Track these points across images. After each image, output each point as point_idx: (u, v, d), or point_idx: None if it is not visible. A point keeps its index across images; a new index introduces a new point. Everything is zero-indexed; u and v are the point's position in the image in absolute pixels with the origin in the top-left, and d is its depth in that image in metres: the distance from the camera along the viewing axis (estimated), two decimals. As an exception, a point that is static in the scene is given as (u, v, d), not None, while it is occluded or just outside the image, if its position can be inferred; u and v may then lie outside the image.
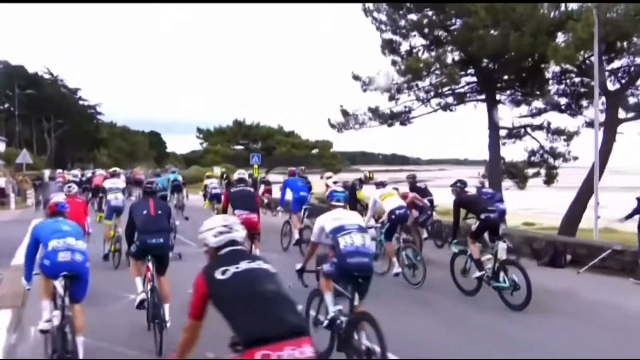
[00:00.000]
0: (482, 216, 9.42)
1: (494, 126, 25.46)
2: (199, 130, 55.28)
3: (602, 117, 23.72)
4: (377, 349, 5.36)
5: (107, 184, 13.54)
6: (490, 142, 25.68)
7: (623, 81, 21.39)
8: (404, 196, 12.23)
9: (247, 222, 9.23)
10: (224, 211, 10.17)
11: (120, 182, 14.18)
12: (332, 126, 26.98)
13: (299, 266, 6.70)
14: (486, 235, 10.03)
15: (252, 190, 10.75)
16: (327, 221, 6.32)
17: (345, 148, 47.40)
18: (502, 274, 8.94)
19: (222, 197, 12.51)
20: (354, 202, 14.52)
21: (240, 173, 11.24)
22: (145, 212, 7.50)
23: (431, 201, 14.86)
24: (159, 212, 7.62)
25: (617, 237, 20.76)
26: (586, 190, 20.98)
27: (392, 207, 10.73)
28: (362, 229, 6.17)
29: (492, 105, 25.42)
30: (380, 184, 11.83)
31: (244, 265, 3.70)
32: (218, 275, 3.62)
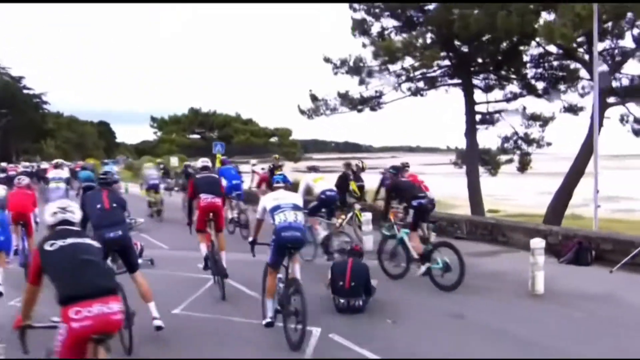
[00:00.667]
0: (415, 202, 9.45)
1: (470, 111, 24.09)
2: (153, 119, 52.61)
3: (583, 102, 22.93)
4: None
5: (51, 174, 14.55)
6: (467, 127, 24.34)
7: (610, 63, 20.19)
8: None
9: (211, 205, 9.48)
10: (191, 199, 10.26)
11: (64, 173, 14.97)
12: (302, 112, 25.20)
13: (250, 239, 7.56)
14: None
15: (216, 176, 10.85)
16: (268, 201, 7.17)
17: (298, 136, 45.87)
18: (434, 256, 9.09)
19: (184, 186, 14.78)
20: (344, 192, 13.14)
21: (203, 161, 11.49)
22: (99, 206, 7.12)
23: (362, 187, 15.09)
24: (114, 205, 7.24)
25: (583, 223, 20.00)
26: (573, 177, 19.82)
27: (323, 188, 11.34)
28: (296, 207, 6.99)
29: (468, 89, 24.04)
30: (312, 169, 12.81)
31: (70, 240, 4.30)
32: (47, 247, 4.24)
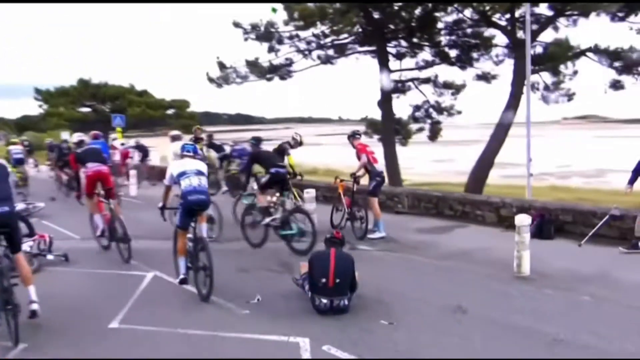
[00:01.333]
0: (272, 170, 9.84)
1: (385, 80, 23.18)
2: (38, 91, 47.20)
3: (497, 70, 22.66)
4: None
5: None
6: (381, 96, 23.43)
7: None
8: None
9: (98, 173, 9.80)
10: (76, 174, 10.62)
11: None
12: (211, 81, 23.18)
13: (160, 205, 7.91)
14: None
15: (99, 146, 11.10)
16: (174, 168, 7.58)
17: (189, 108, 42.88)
18: (290, 222, 9.51)
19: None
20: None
21: (78, 136, 11.85)
22: None
23: (226, 156, 15.67)
24: None
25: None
26: (494, 146, 19.46)
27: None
28: (200, 173, 7.41)
29: (383, 57, 23.06)
30: (177, 137, 12.49)
31: None
32: None
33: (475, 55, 22.90)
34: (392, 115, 23.71)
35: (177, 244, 7.61)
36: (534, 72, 20.20)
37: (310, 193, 11.20)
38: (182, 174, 7.33)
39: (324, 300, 6.30)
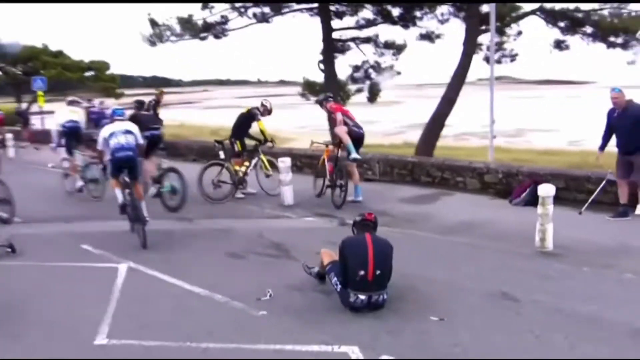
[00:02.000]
0: (147, 133, 9.78)
1: (327, 39, 21.94)
2: None
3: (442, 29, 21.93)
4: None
5: None
6: (324, 56, 22.21)
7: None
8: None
9: None
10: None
11: None
12: (144, 39, 21.12)
13: (101, 166, 9.38)
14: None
15: None
16: (105, 131, 8.35)
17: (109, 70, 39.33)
18: (164, 180, 9.65)
19: None
20: (243, 134, 11.05)
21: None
22: None
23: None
24: None
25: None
26: (445, 107, 18.80)
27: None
28: (128, 132, 8.29)
29: (325, 14, 21.76)
30: (72, 102, 12.51)
31: None
32: None
33: (418, 13, 22.02)
34: (335, 76, 22.55)
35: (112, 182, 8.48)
36: (482, 32, 19.65)
37: (285, 162, 10.01)
38: (111, 135, 8.16)
39: (362, 297, 5.24)
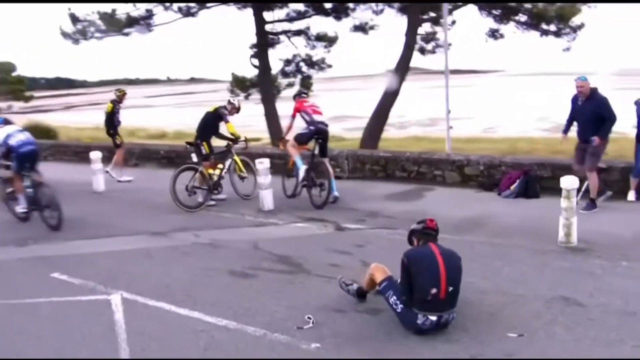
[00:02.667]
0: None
1: (260, 32, 20.98)
2: None
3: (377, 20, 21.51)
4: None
5: None
6: (257, 50, 21.23)
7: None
8: None
9: None
10: None
11: None
12: (66, 35, 19.20)
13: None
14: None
15: None
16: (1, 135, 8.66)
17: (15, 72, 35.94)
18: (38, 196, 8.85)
19: None
20: (209, 136, 10.04)
21: None
22: None
23: None
24: None
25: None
26: (389, 99, 18.37)
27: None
28: (21, 131, 8.92)
29: (259, 6, 20.75)
30: None
31: None
32: None
33: (351, 5, 21.48)
34: (270, 70, 21.65)
35: (15, 185, 8.82)
36: (429, 20, 19.43)
37: (264, 163, 9.09)
38: (9, 136, 8.60)
39: (432, 318, 4.51)
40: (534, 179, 9.19)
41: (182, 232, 8.16)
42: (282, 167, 10.30)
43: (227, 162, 9.78)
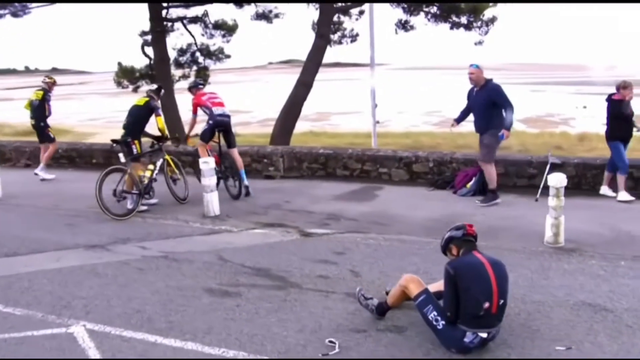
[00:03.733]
0: None
1: (157, 17, 19.76)
2: None
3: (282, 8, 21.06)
4: None
5: None
6: (153, 37, 20.00)
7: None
8: None
9: None
10: None
11: None
12: None
13: None
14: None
15: None
16: None
17: None
18: None
19: None
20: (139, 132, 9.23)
21: None
22: None
23: None
24: None
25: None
26: (301, 91, 17.94)
27: None
28: None
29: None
30: None
31: None
32: None
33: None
34: (168, 60, 20.48)
35: None
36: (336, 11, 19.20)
37: (209, 163, 8.36)
38: None
39: (482, 335, 4.19)
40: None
41: (123, 244, 7.27)
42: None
43: (159, 163, 8.93)
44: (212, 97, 9.48)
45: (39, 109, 11.30)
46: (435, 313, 4.32)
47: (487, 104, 8.37)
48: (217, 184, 8.99)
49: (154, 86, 9.51)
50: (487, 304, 4.12)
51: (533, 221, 7.58)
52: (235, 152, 9.54)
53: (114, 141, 8.93)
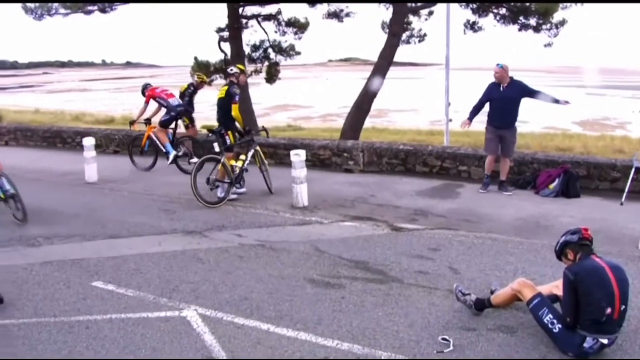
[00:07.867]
0: None
1: (234, 14, 19.93)
2: None
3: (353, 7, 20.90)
4: None
5: None
6: (230, 33, 20.19)
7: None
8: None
9: None
10: None
11: None
12: (28, 11, 17.51)
13: None
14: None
15: None
16: None
17: None
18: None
19: None
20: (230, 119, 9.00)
21: None
22: None
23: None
24: None
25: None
26: (372, 89, 17.76)
27: None
28: None
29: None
30: None
31: None
32: None
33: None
34: (244, 56, 20.64)
35: None
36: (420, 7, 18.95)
37: (300, 155, 8.32)
38: None
39: (603, 341, 3.98)
40: (574, 178, 8.85)
41: (219, 231, 7.31)
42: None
43: (250, 153, 8.94)
44: (165, 91, 11.03)
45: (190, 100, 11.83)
46: (550, 316, 4.13)
47: (519, 98, 8.70)
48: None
49: (233, 69, 9.26)
50: (609, 310, 3.91)
51: (622, 225, 7.25)
52: (163, 132, 10.92)
53: (209, 130, 8.98)
